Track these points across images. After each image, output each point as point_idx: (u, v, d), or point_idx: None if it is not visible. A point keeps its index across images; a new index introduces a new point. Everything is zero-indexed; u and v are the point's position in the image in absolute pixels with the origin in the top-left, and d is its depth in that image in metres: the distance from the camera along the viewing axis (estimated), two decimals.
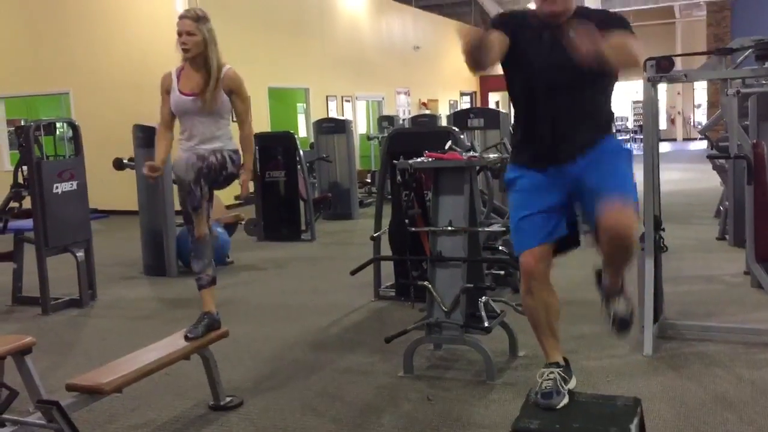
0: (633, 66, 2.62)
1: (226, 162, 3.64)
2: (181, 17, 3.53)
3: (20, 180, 6.03)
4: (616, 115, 2.86)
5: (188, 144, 3.65)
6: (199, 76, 3.57)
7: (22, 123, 12.21)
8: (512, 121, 3.12)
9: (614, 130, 2.87)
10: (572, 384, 2.70)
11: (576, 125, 2.74)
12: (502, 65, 2.88)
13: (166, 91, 3.69)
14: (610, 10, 2.91)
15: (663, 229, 4.37)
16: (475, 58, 2.55)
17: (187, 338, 3.51)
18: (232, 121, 3.72)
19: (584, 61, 2.45)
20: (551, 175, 2.75)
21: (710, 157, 7.12)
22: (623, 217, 2.57)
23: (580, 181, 2.72)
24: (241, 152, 3.75)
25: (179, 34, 3.52)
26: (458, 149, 4.41)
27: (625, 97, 27.50)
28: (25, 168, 5.91)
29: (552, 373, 2.66)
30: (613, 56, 2.47)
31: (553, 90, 2.73)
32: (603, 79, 2.76)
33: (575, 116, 2.74)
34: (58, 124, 7.77)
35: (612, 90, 2.87)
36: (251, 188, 3.41)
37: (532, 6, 2.83)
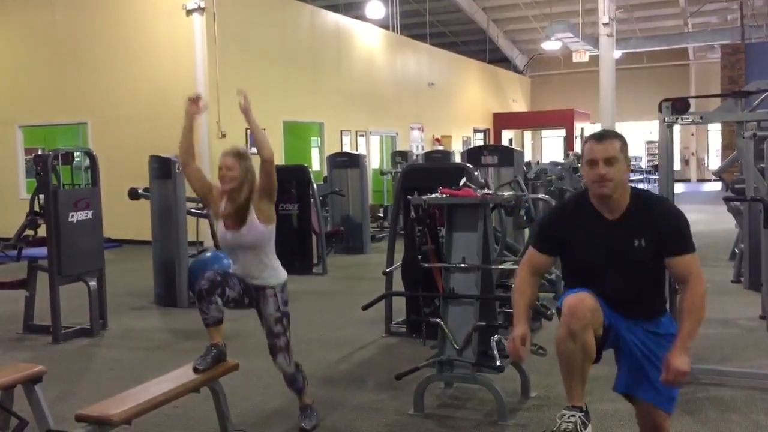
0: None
1: (285, 313, 3.79)
2: (224, 154, 3.71)
3: (36, 208, 6.08)
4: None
5: (236, 270, 3.79)
6: (234, 210, 3.70)
7: (40, 152, 12.37)
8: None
9: (666, 309, 2.96)
10: (589, 430, 2.66)
11: (631, 305, 2.79)
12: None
13: (214, 189, 3.79)
14: (671, 207, 2.86)
15: None
16: None
17: (196, 370, 3.50)
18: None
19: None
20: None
21: (726, 200, 7.08)
22: (659, 420, 2.83)
23: (634, 342, 2.79)
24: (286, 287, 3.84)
25: (220, 168, 3.69)
26: (472, 186, 4.42)
27: (639, 137, 27.56)
28: (41, 196, 5.96)
29: (573, 416, 2.61)
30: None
31: (610, 281, 2.77)
32: (659, 269, 2.81)
33: (629, 300, 2.79)
34: (75, 154, 7.88)
35: (663, 274, 2.93)
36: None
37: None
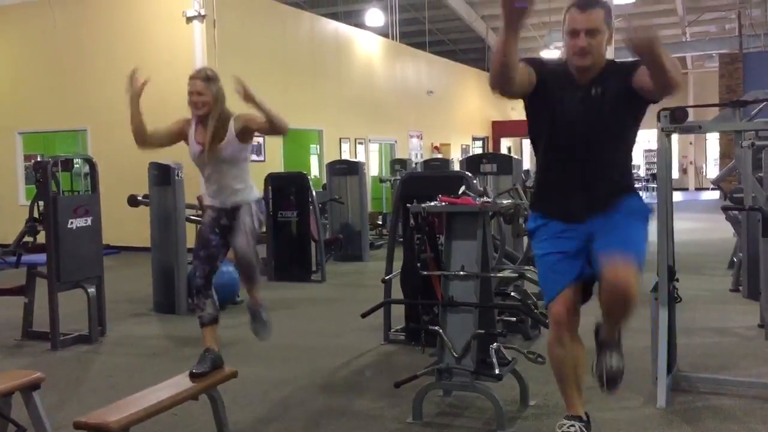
0: (671, 76, 2.55)
1: (249, 218, 3.75)
2: (192, 78, 3.71)
3: (36, 214, 6.08)
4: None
5: (211, 195, 3.80)
6: (210, 132, 3.70)
7: (39, 158, 12.37)
8: (533, 166, 3.15)
9: (634, 187, 2.87)
10: None
11: (598, 181, 2.74)
12: (525, 109, 2.86)
13: (179, 126, 3.83)
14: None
15: (677, 279, 4.34)
16: (500, 71, 2.52)
17: (193, 375, 3.50)
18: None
19: (638, 47, 2.38)
20: (571, 225, 2.75)
21: (725, 209, 7.09)
22: (623, 272, 2.55)
23: (597, 233, 2.73)
24: (261, 203, 3.88)
25: (190, 93, 3.67)
26: (471, 194, 4.42)
27: (638, 145, 27.61)
28: (41, 203, 5.96)
29: (573, 426, 2.61)
30: (660, 54, 2.43)
31: (576, 146, 2.73)
32: (626, 136, 2.77)
33: (597, 172, 2.74)
34: (75, 160, 7.89)
35: (632, 147, 2.87)
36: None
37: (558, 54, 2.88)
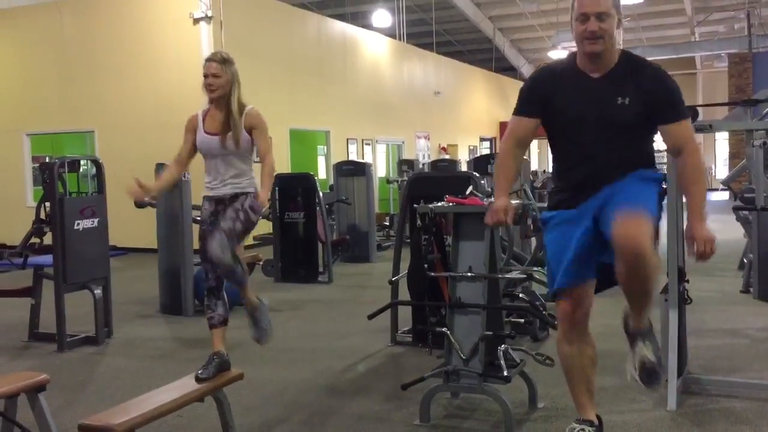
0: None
1: (247, 210, 3.72)
2: (208, 60, 3.70)
3: (42, 216, 6.09)
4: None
5: (211, 185, 3.76)
6: (223, 115, 3.69)
7: (47, 159, 12.40)
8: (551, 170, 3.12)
9: (655, 167, 2.80)
10: None
11: (614, 170, 2.68)
12: (543, 125, 2.89)
13: (190, 130, 3.81)
14: (662, 71, 2.69)
15: (687, 281, 4.29)
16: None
17: (198, 379, 3.48)
18: (255, 161, 3.79)
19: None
20: (580, 209, 2.70)
21: (735, 209, 7.03)
22: (634, 228, 2.39)
23: (605, 201, 2.65)
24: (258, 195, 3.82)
25: (205, 75, 3.65)
26: (479, 194, 4.39)
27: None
28: (47, 204, 5.96)
29: (583, 430, 2.57)
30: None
31: (593, 141, 2.68)
32: (644, 130, 2.71)
33: (614, 164, 2.68)
34: (82, 162, 7.89)
35: (653, 136, 2.80)
36: (266, 205, 3.45)
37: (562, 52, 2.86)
